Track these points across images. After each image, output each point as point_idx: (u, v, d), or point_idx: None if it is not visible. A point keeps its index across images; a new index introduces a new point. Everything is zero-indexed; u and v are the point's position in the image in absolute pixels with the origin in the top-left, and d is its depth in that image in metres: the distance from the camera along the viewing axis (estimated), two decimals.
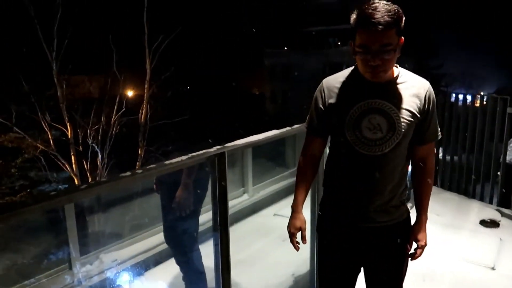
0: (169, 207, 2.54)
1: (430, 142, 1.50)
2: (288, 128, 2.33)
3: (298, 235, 1.57)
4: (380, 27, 1.25)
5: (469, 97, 4.53)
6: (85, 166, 11.33)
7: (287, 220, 1.63)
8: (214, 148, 1.78)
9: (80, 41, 12.75)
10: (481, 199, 4.24)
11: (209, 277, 2.46)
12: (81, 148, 11.25)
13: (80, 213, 3.22)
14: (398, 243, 1.54)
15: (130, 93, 14.38)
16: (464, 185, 4.37)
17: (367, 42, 1.29)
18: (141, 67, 12.51)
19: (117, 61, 12.06)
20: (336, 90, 1.45)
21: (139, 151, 11.88)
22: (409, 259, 1.56)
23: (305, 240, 1.57)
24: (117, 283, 2.75)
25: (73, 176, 11.12)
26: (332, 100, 1.45)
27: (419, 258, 1.55)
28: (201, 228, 2.71)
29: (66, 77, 11.53)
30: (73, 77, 13.36)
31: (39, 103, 10.87)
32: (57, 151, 10.92)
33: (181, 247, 2.64)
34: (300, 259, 2.71)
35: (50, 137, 10.98)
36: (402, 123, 1.39)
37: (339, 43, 27.76)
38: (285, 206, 4.19)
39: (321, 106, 1.48)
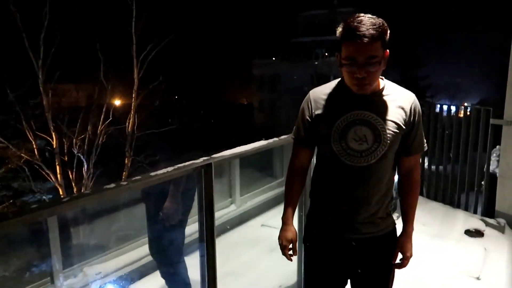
0: (154, 218, 2.51)
1: (416, 153, 1.52)
2: (275, 138, 2.33)
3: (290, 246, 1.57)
4: (366, 39, 1.27)
5: (453, 108, 4.60)
6: (70, 176, 11.15)
7: (275, 230, 1.62)
8: (201, 159, 1.77)
9: (67, 49, 12.65)
10: (466, 208, 4.29)
11: None
12: (66, 158, 11.08)
13: (63, 224, 3.16)
14: (385, 255, 1.55)
15: (117, 102, 14.27)
16: (449, 195, 4.42)
17: (352, 54, 1.31)
18: (128, 76, 12.45)
19: (104, 70, 11.99)
20: (323, 102, 1.47)
21: (126, 161, 11.76)
22: (395, 269, 1.57)
23: (296, 251, 1.57)
24: None
25: (58, 187, 10.93)
26: (318, 111, 1.46)
27: (405, 267, 1.56)
28: (187, 240, 2.68)
29: (52, 86, 11.41)
30: (59, 86, 13.23)
31: (24, 112, 10.72)
32: (41, 161, 10.74)
33: (167, 259, 2.60)
34: (288, 270, 2.69)
35: (34, 146, 10.79)
36: (388, 135, 1.40)
37: (326, 54, 28.08)
38: (273, 217, 4.17)
39: (308, 117, 1.49)
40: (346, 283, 1.62)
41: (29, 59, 10.63)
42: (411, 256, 1.54)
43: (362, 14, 1.32)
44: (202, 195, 1.80)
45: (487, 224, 3.82)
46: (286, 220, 1.57)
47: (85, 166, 11.13)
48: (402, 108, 1.43)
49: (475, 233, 3.68)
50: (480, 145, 4.12)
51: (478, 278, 2.95)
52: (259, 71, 30.86)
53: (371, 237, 1.49)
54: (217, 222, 3.86)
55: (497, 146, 4.30)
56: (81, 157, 11.10)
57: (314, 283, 1.64)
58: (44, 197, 11.92)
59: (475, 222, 3.87)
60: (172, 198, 2.34)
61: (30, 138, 10.74)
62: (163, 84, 13.01)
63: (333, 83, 1.50)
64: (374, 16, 1.33)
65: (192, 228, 2.51)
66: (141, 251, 3.08)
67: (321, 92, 1.49)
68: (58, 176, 10.90)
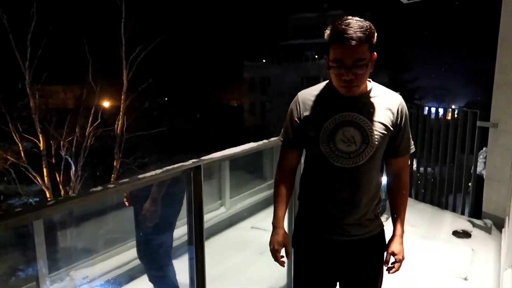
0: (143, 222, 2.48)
1: (404, 155, 1.52)
2: (265, 140, 2.32)
3: (282, 251, 1.55)
4: (353, 42, 1.28)
5: (441, 110, 4.66)
6: (58, 178, 11.01)
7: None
8: (190, 162, 1.76)
9: (55, 50, 12.51)
10: (454, 210, 4.34)
11: None
12: (53, 160, 10.93)
13: (50, 227, 3.11)
14: (373, 257, 1.55)
15: (106, 104, 14.15)
16: (437, 196, 4.47)
17: (340, 56, 1.32)
18: (117, 78, 12.35)
19: (93, 72, 11.88)
20: (311, 103, 1.47)
21: (115, 163, 11.64)
22: (387, 272, 1.56)
23: (290, 255, 1.55)
24: None
25: (45, 189, 10.77)
26: (307, 113, 1.47)
27: (397, 271, 1.55)
28: (176, 243, 2.66)
29: (39, 87, 11.26)
30: (47, 87, 13.07)
31: (11, 113, 10.55)
32: (28, 163, 10.57)
33: (155, 263, 2.57)
34: (277, 273, 2.68)
35: (21, 148, 10.63)
36: (375, 136, 1.41)
37: (316, 56, 28.23)
38: (263, 219, 4.16)
39: (296, 119, 1.49)
40: (335, 286, 1.61)
41: (16, 60, 10.49)
42: (403, 259, 1.53)
43: (350, 17, 1.33)
44: (191, 198, 1.78)
45: (474, 225, 3.87)
46: (276, 224, 1.55)
47: (73, 168, 11.00)
48: (390, 110, 1.44)
49: (463, 234, 3.72)
50: (467, 147, 4.17)
51: (465, 279, 2.98)
52: (249, 73, 30.87)
53: (359, 239, 1.49)
54: (206, 225, 3.84)
55: (484, 148, 4.36)
56: (69, 159, 10.96)
57: (303, 286, 1.63)
58: (30, 200, 11.74)
59: (463, 223, 3.91)
60: (151, 200, 2.32)
61: (17, 140, 10.58)
62: (152, 86, 12.95)
63: (321, 85, 1.51)
64: (361, 19, 1.34)
65: (181, 231, 2.49)
66: (129, 255, 3.04)
67: (309, 94, 1.50)
68: (45, 178, 10.75)
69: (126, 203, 2.49)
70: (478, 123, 3.97)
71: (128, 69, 11.99)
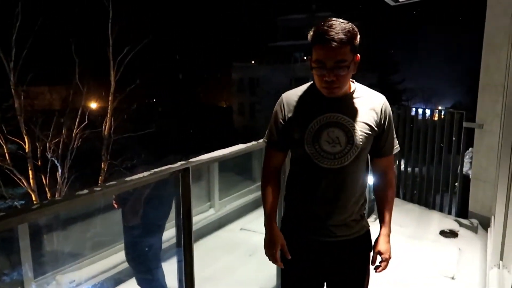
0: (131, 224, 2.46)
1: (388, 154, 1.53)
2: (254, 142, 2.32)
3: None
4: (334, 43, 1.29)
5: (428, 111, 4.71)
6: (44, 181, 10.83)
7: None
8: (178, 164, 1.74)
9: (40, 51, 12.33)
10: (441, 209, 4.39)
11: None
12: (39, 163, 10.76)
13: (35, 231, 3.05)
14: (359, 257, 1.55)
15: (93, 105, 14.00)
16: (424, 196, 4.52)
17: (322, 58, 1.32)
18: (105, 79, 12.22)
19: (79, 72, 11.73)
20: (296, 105, 1.47)
21: (102, 165, 11.51)
22: (374, 271, 1.57)
23: (288, 254, 1.50)
24: None
25: (31, 192, 10.59)
26: (291, 114, 1.47)
27: (385, 270, 1.55)
28: (165, 245, 2.64)
29: (24, 88, 11.08)
30: (32, 88, 12.86)
31: None
32: (13, 165, 10.38)
33: (143, 265, 2.54)
34: (267, 274, 2.68)
35: (6, 151, 10.44)
36: (360, 136, 1.42)
37: (305, 57, 28.35)
38: (252, 220, 4.15)
39: (281, 120, 1.49)
40: (322, 286, 1.61)
41: (0, 61, 10.30)
42: (390, 258, 1.53)
43: (334, 19, 1.34)
44: (179, 200, 1.76)
45: (461, 224, 3.92)
46: (270, 225, 1.52)
47: (60, 170, 10.84)
48: (373, 110, 1.45)
49: (450, 234, 3.77)
50: (453, 148, 4.22)
51: (453, 278, 3.01)
52: (238, 74, 30.85)
53: (345, 240, 1.50)
54: (195, 227, 3.82)
55: (470, 149, 4.43)
56: (55, 161, 10.80)
57: (291, 287, 1.63)
58: (16, 203, 11.54)
59: (450, 223, 3.96)
60: (133, 201, 2.30)
61: (1, 142, 10.39)
62: (140, 87, 12.84)
63: (305, 86, 1.51)
64: (345, 21, 1.35)
65: (170, 233, 2.47)
66: (116, 258, 3.01)
67: (293, 95, 1.50)
68: (31, 181, 10.57)
69: (115, 205, 2.46)
70: (464, 124, 4.03)
71: (115, 70, 11.87)
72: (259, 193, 1.62)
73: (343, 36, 1.29)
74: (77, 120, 11.43)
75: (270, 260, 1.53)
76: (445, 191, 4.39)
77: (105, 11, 11.76)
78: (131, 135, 12.11)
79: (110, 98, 11.86)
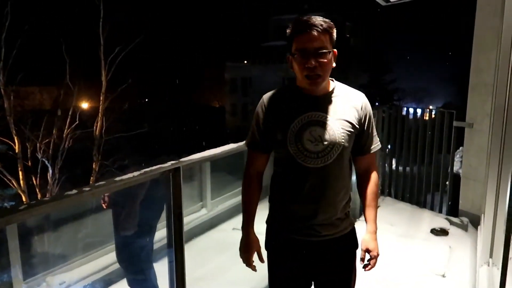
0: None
1: (371, 152, 1.54)
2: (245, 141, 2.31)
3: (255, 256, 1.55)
4: (316, 28, 1.34)
5: (419, 111, 4.74)
6: (34, 182, 10.73)
7: (240, 232, 1.60)
8: (169, 163, 1.73)
9: (30, 51, 12.20)
10: (432, 208, 4.42)
11: None
12: (30, 163, 10.65)
13: (25, 232, 3.02)
14: (345, 255, 1.55)
15: (84, 105, 13.89)
16: (415, 195, 4.55)
17: (303, 46, 1.35)
18: (96, 79, 12.13)
19: (70, 72, 11.63)
20: (277, 105, 1.48)
21: (94, 166, 11.43)
22: (363, 269, 1.57)
23: (263, 259, 1.54)
24: None
25: (21, 193, 10.48)
26: (273, 115, 1.47)
27: (374, 267, 1.55)
28: (158, 245, 2.62)
29: (14, 88, 10.96)
30: (22, 88, 12.73)
31: None
32: (3, 166, 10.27)
33: (135, 266, 2.53)
34: (259, 275, 2.67)
35: None
36: (342, 134, 1.43)
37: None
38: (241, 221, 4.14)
39: (262, 122, 1.49)
40: (310, 286, 1.61)
41: None
42: (378, 255, 1.54)
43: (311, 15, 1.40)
44: (170, 200, 1.75)
45: (451, 222, 3.95)
46: (247, 230, 1.55)
47: (50, 171, 10.74)
48: (354, 108, 1.47)
49: (440, 232, 3.79)
50: (444, 147, 4.26)
51: (443, 276, 3.04)
52: (231, 74, 30.84)
53: (330, 239, 1.50)
54: (187, 227, 3.81)
55: (460, 148, 4.47)
56: (46, 162, 10.70)
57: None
58: (5, 204, 11.41)
59: (440, 221, 3.99)
60: (128, 212, 2.29)
61: None
62: (132, 87, 12.75)
63: (285, 87, 1.52)
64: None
65: (161, 234, 2.45)
66: (107, 259, 2.98)
67: (274, 96, 1.50)
68: (21, 182, 10.46)
69: (104, 205, 2.44)
70: (455, 123, 4.06)
71: (107, 70, 11.79)
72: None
73: (322, 23, 1.36)
74: (68, 121, 11.34)
75: (244, 263, 1.56)
76: (436, 190, 4.42)
77: (96, 10, 11.67)
78: (122, 135, 12.05)
79: (101, 98, 11.78)
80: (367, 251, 1.52)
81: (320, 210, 1.46)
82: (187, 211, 3.97)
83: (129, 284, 2.54)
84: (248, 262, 1.54)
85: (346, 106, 1.45)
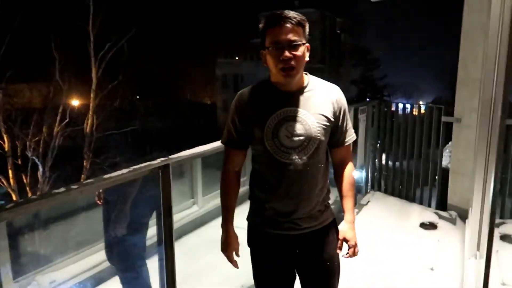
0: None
1: (346, 144, 1.56)
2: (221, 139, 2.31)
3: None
4: (289, 21, 1.36)
5: (408, 106, 4.79)
6: (25, 180, 10.62)
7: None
8: (158, 160, 1.73)
9: (19, 48, 12.03)
10: (421, 202, 4.48)
11: None
12: (20, 161, 10.54)
13: (14, 231, 3.00)
14: (328, 246, 1.57)
15: (74, 102, 13.76)
16: (405, 190, 4.60)
17: (278, 38, 1.36)
18: (86, 76, 12.02)
19: (60, 69, 11.51)
20: (252, 102, 1.49)
21: (85, 163, 11.35)
22: (343, 257, 1.58)
23: (238, 255, 1.57)
24: None
25: (11, 192, 10.38)
26: (249, 112, 1.48)
27: (353, 256, 1.57)
28: (149, 242, 2.62)
29: (3, 86, 10.82)
30: (11, 86, 12.56)
31: None
32: None
33: (128, 264, 2.52)
34: (250, 270, 2.69)
35: None
36: (318, 128, 1.44)
37: None
38: (236, 216, 4.15)
39: (239, 119, 1.50)
40: (295, 279, 1.63)
41: None
42: (356, 244, 1.55)
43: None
44: (160, 197, 1.75)
45: (440, 216, 4.00)
46: (226, 228, 1.56)
47: (41, 169, 10.64)
48: (328, 101, 1.48)
49: (429, 226, 3.84)
50: (433, 142, 4.30)
51: (432, 269, 3.08)
52: (222, 70, 30.74)
53: (311, 231, 1.52)
54: (179, 224, 3.81)
55: (450, 142, 4.52)
56: (36, 160, 10.59)
57: (263, 285, 1.64)
58: None
59: (429, 215, 4.04)
60: (120, 210, 2.28)
61: None
62: (123, 83, 12.66)
63: (260, 83, 1.53)
64: None
65: (151, 231, 2.45)
66: (98, 257, 2.97)
67: (249, 93, 1.51)
68: (11, 180, 10.36)
69: (99, 202, 2.43)
70: (443, 118, 4.11)
71: (97, 67, 11.69)
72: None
73: (296, 16, 1.38)
74: (58, 118, 11.23)
75: (228, 260, 1.57)
76: (425, 185, 4.48)
77: (86, 6, 11.55)
78: (114, 132, 11.97)
79: (91, 95, 11.68)
80: (345, 240, 1.54)
81: (299, 204, 1.48)
82: (178, 208, 3.97)
83: (122, 282, 2.54)
84: (230, 259, 1.56)
85: (321, 100, 1.47)
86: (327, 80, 1.56)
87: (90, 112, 11.54)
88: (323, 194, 1.54)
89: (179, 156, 1.82)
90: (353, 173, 1.61)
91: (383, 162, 4.83)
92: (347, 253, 1.55)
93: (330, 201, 1.64)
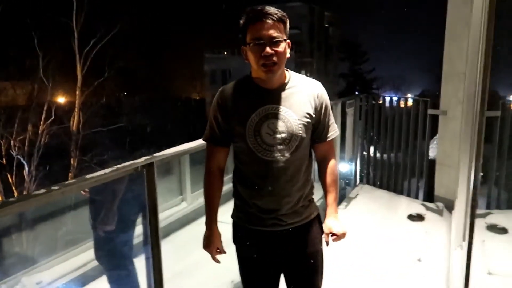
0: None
1: (328, 139, 1.56)
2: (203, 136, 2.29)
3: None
4: (270, 17, 1.36)
5: (395, 99, 4.82)
6: (10, 180, 10.45)
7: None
8: (142, 159, 1.71)
9: (1, 44, 11.78)
10: (409, 194, 4.53)
11: None
12: (4, 161, 10.36)
13: None
14: (312, 242, 1.57)
15: (60, 99, 13.57)
16: (393, 182, 4.64)
17: (259, 34, 1.36)
18: (71, 72, 11.83)
19: (44, 66, 11.30)
20: (234, 99, 1.48)
21: (72, 161, 11.21)
22: (326, 245, 1.56)
23: (222, 252, 1.58)
24: None
25: None
26: (231, 109, 1.47)
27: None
28: (137, 241, 2.59)
29: None
30: None
31: None
32: None
33: (115, 263, 2.50)
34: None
35: None
36: (299, 125, 1.44)
37: None
38: (225, 212, 4.13)
39: (221, 115, 1.49)
40: (279, 276, 1.63)
41: None
42: (343, 232, 1.51)
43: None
44: (145, 196, 1.73)
45: (427, 208, 4.05)
46: (210, 226, 1.56)
47: (26, 168, 10.47)
48: (310, 97, 1.48)
49: (417, 218, 3.89)
50: (419, 134, 4.34)
51: (419, 260, 3.12)
52: (210, 66, 30.56)
53: (296, 227, 1.52)
54: (167, 221, 3.79)
55: (437, 135, 4.56)
56: (21, 159, 10.42)
57: (249, 281, 1.64)
58: None
59: (417, 207, 4.08)
60: (108, 208, 2.26)
61: None
62: (110, 80, 12.50)
63: (241, 80, 1.52)
64: None
65: (138, 230, 2.43)
66: (86, 256, 2.94)
67: (231, 89, 1.50)
68: None
69: (83, 192, 2.39)
70: (429, 111, 4.15)
71: (82, 63, 11.51)
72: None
73: (277, 12, 1.38)
74: (43, 116, 11.05)
75: (212, 257, 1.58)
76: (413, 177, 4.52)
77: (69, 1, 11.34)
78: (101, 129, 11.84)
79: (77, 92, 11.51)
80: (330, 230, 1.51)
81: (282, 201, 1.48)
82: (167, 205, 3.95)
83: (109, 282, 2.51)
84: (212, 256, 1.57)
85: (302, 97, 1.47)
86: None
87: (76, 110, 11.38)
88: (306, 189, 1.54)
89: (164, 154, 1.80)
90: (337, 167, 1.61)
91: (371, 154, 4.87)
92: (333, 238, 1.51)
93: (317, 197, 1.64)
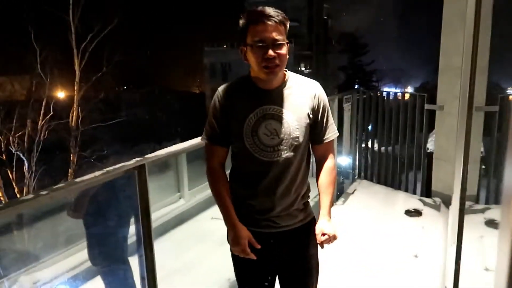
0: (93, 223, 2.41)
1: (327, 140, 1.55)
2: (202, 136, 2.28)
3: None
4: (272, 19, 1.35)
5: (393, 93, 4.79)
6: (10, 176, 10.46)
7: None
8: (133, 161, 1.70)
9: None
10: (406, 190, 4.53)
11: None
12: (4, 157, 10.36)
13: None
14: (306, 245, 1.57)
15: (60, 94, 13.54)
16: (390, 177, 4.64)
17: (261, 36, 1.35)
18: (69, 67, 11.78)
19: (42, 61, 11.25)
20: (233, 98, 1.47)
21: (71, 157, 11.21)
22: (321, 247, 1.53)
23: (257, 244, 1.47)
24: None
25: None
26: (229, 108, 1.46)
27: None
28: (131, 240, 2.59)
29: None
30: None
31: None
32: None
33: (109, 263, 2.50)
34: None
35: None
36: (297, 127, 1.44)
37: None
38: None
39: (220, 115, 1.48)
40: (274, 278, 1.63)
41: None
42: (334, 234, 1.48)
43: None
44: (137, 197, 1.73)
45: (424, 203, 4.05)
46: (232, 223, 1.47)
47: (26, 165, 10.48)
48: (308, 98, 1.48)
49: (414, 213, 3.89)
50: (416, 129, 4.33)
51: (416, 256, 3.12)
52: (210, 59, 30.43)
53: (289, 230, 1.51)
54: (165, 218, 3.79)
55: (435, 130, 4.55)
56: (21, 155, 10.42)
57: (244, 281, 1.64)
58: None
59: (414, 202, 4.08)
60: (79, 196, 2.22)
61: None
62: (108, 74, 12.45)
63: (240, 79, 1.51)
64: None
65: (131, 230, 2.42)
66: (81, 256, 2.94)
67: (230, 89, 1.49)
68: None
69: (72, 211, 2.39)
70: (426, 106, 4.13)
71: (80, 58, 11.46)
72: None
73: (278, 14, 1.37)
74: (42, 111, 11.02)
75: (241, 256, 1.48)
76: (410, 171, 4.52)
77: None
78: (100, 125, 11.82)
79: (75, 88, 11.48)
80: (322, 231, 1.48)
81: (277, 203, 1.47)
82: (164, 203, 3.95)
83: (105, 282, 2.52)
84: (245, 253, 1.46)
85: (300, 98, 1.46)
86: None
87: (75, 105, 11.35)
88: (302, 190, 1.53)
89: (155, 156, 1.79)
90: (335, 167, 1.59)
91: (369, 147, 4.86)
92: (324, 240, 1.47)
93: (313, 195, 1.63)
